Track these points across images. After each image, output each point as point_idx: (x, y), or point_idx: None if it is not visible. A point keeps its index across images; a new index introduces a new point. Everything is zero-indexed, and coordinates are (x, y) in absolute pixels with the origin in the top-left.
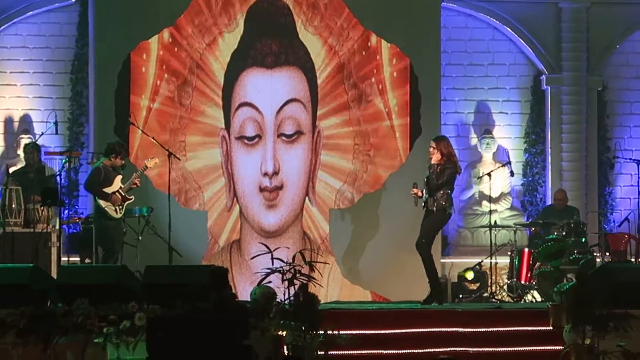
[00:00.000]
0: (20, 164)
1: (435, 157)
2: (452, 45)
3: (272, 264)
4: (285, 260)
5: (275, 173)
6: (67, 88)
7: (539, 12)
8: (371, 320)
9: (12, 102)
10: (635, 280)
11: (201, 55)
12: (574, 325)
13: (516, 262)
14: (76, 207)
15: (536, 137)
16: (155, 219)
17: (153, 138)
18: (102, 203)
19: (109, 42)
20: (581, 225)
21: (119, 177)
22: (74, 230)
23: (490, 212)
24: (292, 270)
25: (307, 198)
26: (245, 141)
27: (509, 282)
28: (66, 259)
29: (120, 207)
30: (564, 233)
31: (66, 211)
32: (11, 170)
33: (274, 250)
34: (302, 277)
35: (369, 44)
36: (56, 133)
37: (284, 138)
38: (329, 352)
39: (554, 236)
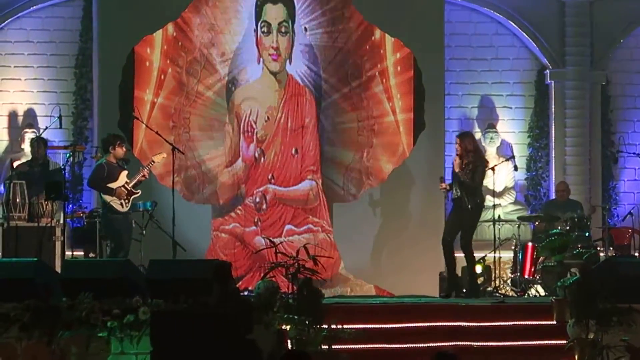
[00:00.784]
0: (25, 158)
1: (462, 155)
2: (456, 39)
3: (276, 258)
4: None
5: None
6: (71, 82)
7: (543, 7)
8: (375, 314)
9: (16, 97)
10: (638, 274)
11: (206, 48)
12: (578, 320)
13: (520, 257)
14: (80, 201)
15: (540, 132)
16: (159, 213)
17: (157, 132)
18: (107, 198)
19: (113, 37)
20: (585, 220)
21: (125, 173)
22: (78, 225)
23: (494, 206)
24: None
25: (310, 192)
26: (248, 134)
27: (512, 276)
28: (70, 253)
29: (127, 201)
30: (567, 227)
31: (70, 205)
32: (15, 164)
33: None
34: (305, 272)
35: (372, 38)
36: (60, 127)
37: (288, 132)
38: (333, 346)
39: (557, 230)
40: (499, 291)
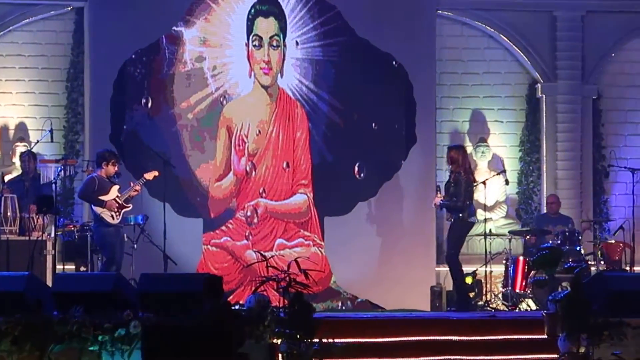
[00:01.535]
0: (16, 172)
1: (449, 164)
2: (447, 53)
3: (267, 272)
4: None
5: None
6: (62, 96)
7: (534, 21)
8: (366, 328)
9: (7, 110)
10: (629, 288)
11: (197, 62)
12: (569, 334)
13: (511, 271)
14: (72, 215)
15: (531, 146)
16: (151, 227)
17: (149, 146)
18: (97, 209)
19: (104, 50)
20: (576, 234)
21: (116, 187)
22: (69, 238)
23: (485, 220)
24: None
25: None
26: (240, 148)
27: (503, 290)
28: (61, 267)
29: (117, 213)
30: (558, 242)
31: (61, 219)
32: (6, 178)
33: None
34: (297, 286)
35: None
36: (51, 141)
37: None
38: None
39: (548, 245)
40: (490, 305)
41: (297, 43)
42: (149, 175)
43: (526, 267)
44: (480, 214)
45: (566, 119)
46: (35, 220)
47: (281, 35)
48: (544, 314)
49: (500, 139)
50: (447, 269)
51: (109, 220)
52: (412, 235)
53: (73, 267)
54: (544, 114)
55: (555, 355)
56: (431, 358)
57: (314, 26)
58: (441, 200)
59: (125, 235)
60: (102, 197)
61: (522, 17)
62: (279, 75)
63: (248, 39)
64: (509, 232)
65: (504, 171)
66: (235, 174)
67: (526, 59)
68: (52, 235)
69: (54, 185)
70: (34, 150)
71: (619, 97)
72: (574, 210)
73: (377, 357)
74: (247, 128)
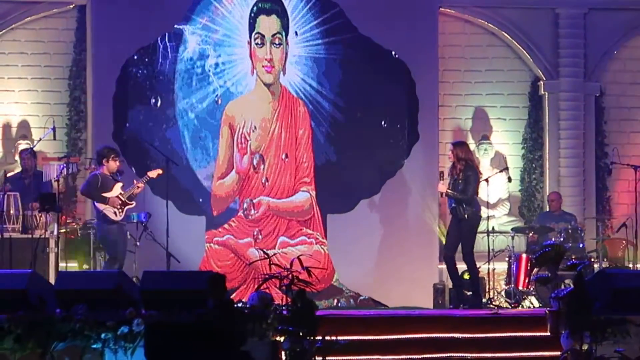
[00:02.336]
0: (18, 170)
1: (455, 163)
2: (450, 50)
3: (270, 270)
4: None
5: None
6: (65, 94)
7: (536, 18)
8: (369, 325)
9: (10, 108)
10: (632, 285)
11: (199, 60)
12: (572, 331)
13: (514, 268)
14: (74, 212)
15: (534, 143)
16: (153, 225)
17: (151, 144)
18: (100, 206)
19: (106, 48)
20: (578, 231)
21: (119, 185)
22: (72, 237)
23: (488, 217)
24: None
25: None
26: (242, 146)
27: (506, 287)
28: (64, 264)
29: (120, 210)
30: (561, 239)
31: (64, 217)
32: (8, 175)
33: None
34: (299, 283)
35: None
36: (54, 139)
37: (282, 144)
38: (327, 358)
39: (551, 242)
40: (493, 303)
41: (296, 34)
42: (153, 174)
43: (529, 264)
44: (483, 211)
45: (569, 117)
46: (38, 218)
47: (283, 33)
48: (546, 312)
49: (503, 137)
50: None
51: (112, 217)
52: (414, 233)
53: (76, 265)
54: (547, 112)
55: (558, 353)
56: (434, 355)
57: (317, 24)
58: (448, 190)
59: (128, 232)
60: (105, 194)
61: (524, 14)
62: (281, 73)
63: (250, 37)
64: (512, 229)
65: (506, 168)
66: (237, 172)
67: (528, 57)
68: (55, 233)
69: (56, 183)
70: (36, 148)
71: (622, 95)
72: (577, 208)
73: (380, 354)
74: (250, 126)
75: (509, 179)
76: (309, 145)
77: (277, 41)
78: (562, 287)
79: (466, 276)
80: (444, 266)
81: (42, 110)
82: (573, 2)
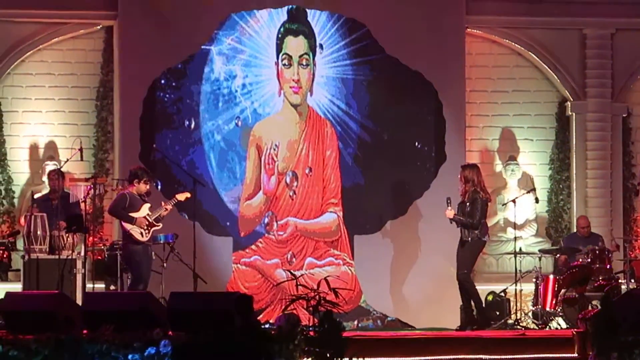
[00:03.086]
0: (45, 191)
1: (462, 187)
2: (476, 71)
3: (297, 291)
4: None
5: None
6: (92, 114)
7: (563, 39)
8: (396, 347)
9: (37, 129)
10: None
11: (226, 81)
12: (599, 353)
13: (541, 289)
14: (101, 233)
15: (561, 164)
16: (180, 245)
17: (178, 164)
18: (127, 226)
19: (133, 69)
20: (606, 252)
21: (147, 205)
22: (99, 257)
23: (515, 238)
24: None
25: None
26: (269, 167)
27: (534, 309)
28: (91, 285)
29: (147, 231)
30: (588, 260)
31: (91, 238)
32: (35, 196)
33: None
34: (327, 304)
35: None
36: (81, 159)
37: (309, 165)
38: None
39: (578, 263)
40: (520, 324)
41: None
42: (181, 196)
43: (556, 285)
44: (510, 232)
45: (596, 137)
46: (65, 239)
47: (310, 54)
48: (574, 333)
49: (530, 157)
50: (477, 288)
51: (138, 237)
52: (441, 253)
53: (103, 286)
54: (574, 132)
55: None
56: None
57: (344, 44)
58: (455, 215)
59: (153, 253)
60: (132, 214)
61: (551, 35)
62: (309, 94)
63: (277, 57)
64: (539, 250)
65: (533, 189)
66: (265, 193)
67: (555, 77)
68: (82, 254)
69: (83, 204)
70: (63, 169)
71: None
72: (604, 229)
73: None
74: (277, 147)
75: (536, 200)
76: (336, 166)
77: (304, 62)
78: (590, 308)
79: (489, 297)
80: None
81: (69, 131)
82: (600, 23)
